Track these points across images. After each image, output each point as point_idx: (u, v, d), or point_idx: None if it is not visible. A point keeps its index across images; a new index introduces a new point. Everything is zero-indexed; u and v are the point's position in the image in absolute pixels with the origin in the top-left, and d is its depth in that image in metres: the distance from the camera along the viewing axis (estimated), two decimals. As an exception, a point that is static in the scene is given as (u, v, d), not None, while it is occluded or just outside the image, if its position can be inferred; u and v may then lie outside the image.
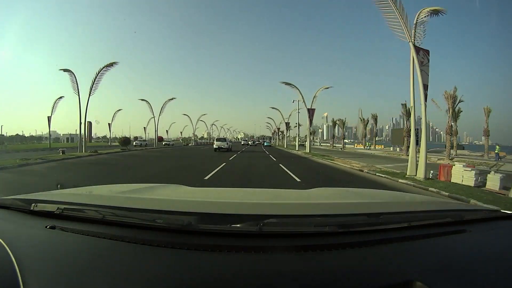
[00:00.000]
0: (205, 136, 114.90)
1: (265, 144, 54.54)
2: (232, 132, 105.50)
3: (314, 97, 27.45)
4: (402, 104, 26.27)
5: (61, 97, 32.05)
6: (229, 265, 0.69)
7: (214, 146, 23.94)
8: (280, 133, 64.43)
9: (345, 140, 49.77)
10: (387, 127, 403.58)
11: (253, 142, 58.49)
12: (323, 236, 0.85)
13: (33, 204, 1.02)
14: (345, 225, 0.88)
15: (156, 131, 40.06)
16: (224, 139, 25.83)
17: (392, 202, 1.35)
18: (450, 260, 0.77)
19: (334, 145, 53.43)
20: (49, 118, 33.65)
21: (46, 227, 0.91)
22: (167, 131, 65.77)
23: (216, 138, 33.18)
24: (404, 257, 0.78)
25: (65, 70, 20.94)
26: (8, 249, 0.72)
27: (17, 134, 76.20)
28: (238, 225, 0.84)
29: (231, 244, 0.78)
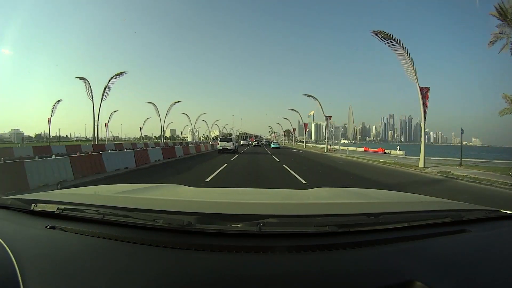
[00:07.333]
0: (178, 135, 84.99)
1: (272, 146, 40.73)
2: (197, 128, 71.55)
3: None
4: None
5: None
6: (229, 265, 0.70)
7: (218, 147, 23.96)
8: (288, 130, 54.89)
9: (343, 141, 30.74)
10: (374, 128, 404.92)
11: (258, 143, 54.21)
12: (323, 236, 0.85)
13: (33, 204, 1.02)
14: (345, 225, 0.88)
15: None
16: (230, 139, 25.21)
17: (392, 202, 1.36)
18: (450, 260, 0.77)
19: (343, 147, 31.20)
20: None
21: (46, 227, 0.90)
22: (140, 128, 57.05)
23: (220, 137, 31.51)
24: (404, 257, 0.78)
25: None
26: (8, 249, 0.72)
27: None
28: (238, 225, 0.84)
29: (231, 244, 0.79)
